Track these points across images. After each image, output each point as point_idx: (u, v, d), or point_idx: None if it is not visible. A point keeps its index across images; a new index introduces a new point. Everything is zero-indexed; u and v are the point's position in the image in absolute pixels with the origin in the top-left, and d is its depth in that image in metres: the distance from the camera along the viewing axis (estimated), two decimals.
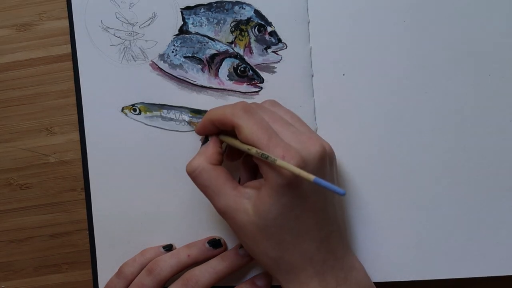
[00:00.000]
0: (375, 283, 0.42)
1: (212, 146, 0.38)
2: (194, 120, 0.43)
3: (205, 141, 0.40)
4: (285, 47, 0.44)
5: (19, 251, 0.47)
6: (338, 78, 0.44)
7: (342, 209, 0.42)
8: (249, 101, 0.44)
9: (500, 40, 0.43)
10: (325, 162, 0.36)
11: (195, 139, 0.44)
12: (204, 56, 0.44)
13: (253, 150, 0.35)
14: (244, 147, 0.36)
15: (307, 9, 0.43)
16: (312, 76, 0.44)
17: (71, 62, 0.45)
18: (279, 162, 0.33)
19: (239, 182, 0.39)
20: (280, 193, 0.34)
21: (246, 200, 0.36)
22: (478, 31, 0.43)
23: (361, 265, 0.40)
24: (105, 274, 0.45)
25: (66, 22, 0.45)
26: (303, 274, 0.37)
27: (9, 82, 0.46)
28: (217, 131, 0.39)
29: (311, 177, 0.32)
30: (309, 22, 0.44)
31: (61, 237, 0.47)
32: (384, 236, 0.44)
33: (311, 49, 0.44)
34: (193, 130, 0.44)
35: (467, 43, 0.43)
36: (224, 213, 0.37)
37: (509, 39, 0.43)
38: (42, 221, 0.47)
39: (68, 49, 0.45)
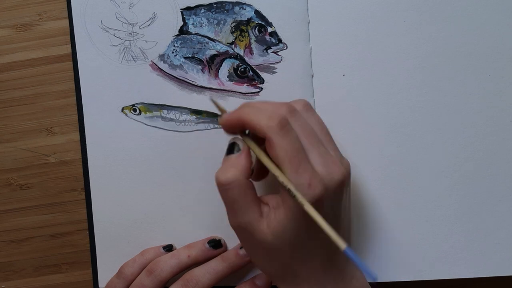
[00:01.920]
0: (374, 283, 0.42)
1: (245, 159, 0.36)
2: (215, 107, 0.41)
3: (232, 147, 0.37)
4: (285, 48, 0.44)
5: (19, 251, 0.47)
6: (338, 78, 0.44)
7: (349, 220, 0.41)
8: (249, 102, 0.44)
9: (500, 40, 0.43)
10: (344, 186, 0.36)
11: (195, 140, 0.44)
12: (204, 57, 0.44)
13: (279, 177, 0.34)
14: (272, 167, 0.35)
15: (307, 9, 0.43)
16: (312, 76, 0.44)
17: (71, 62, 0.45)
18: (301, 200, 0.33)
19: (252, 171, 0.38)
20: (298, 217, 0.34)
21: (264, 219, 0.36)
22: (478, 31, 0.43)
23: (361, 273, 0.40)
24: (105, 274, 0.45)
25: (66, 22, 0.45)
26: (305, 285, 0.37)
27: (9, 82, 0.46)
28: (244, 130, 0.37)
29: (342, 246, 0.32)
30: (309, 22, 0.44)
31: (61, 237, 0.47)
32: (384, 236, 0.44)
33: (311, 49, 0.44)
34: (194, 130, 0.44)
35: (467, 43, 0.43)
36: (243, 229, 0.36)
37: (509, 39, 0.43)
38: (42, 221, 0.47)
39: (68, 49, 0.45)
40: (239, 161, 0.36)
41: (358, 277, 0.39)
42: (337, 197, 0.35)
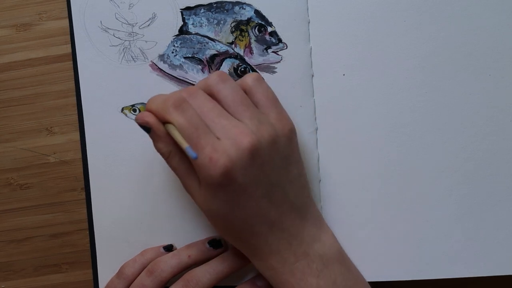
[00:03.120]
0: (374, 282, 0.42)
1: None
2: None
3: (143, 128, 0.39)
4: (285, 47, 0.43)
5: (19, 251, 0.47)
6: (338, 78, 0.44)
7: (308, 182, 0.42)
8: None
9: (500, 40, 0.43)
10: (260, 154, 0.36)
11: None
12: (204, 57, 0.44)
13: (184, 147, 0.36)
14: (180, 141, 0.36)
15: (307, 9, 0.43)
16: (312, 76, 0.44)
17: (71, 62, 0.45)
18: (190, 154, 0.35)
19: None
20: (214, 191, 0.36)
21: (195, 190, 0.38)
22: (478, 31, 0.43)
23: (328, 237, 0.40)
24: (105, 274, 0.45)
25: (66, 22, 0.45)
26: (259, 252, 0.38)
27: (9, 82, 0.46)
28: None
29: (184, 144, 0.35)
30: (309, 22, 0.44)
31: (61, 237, 0.47)
32: (383, 235, 0.44)
33: (311, 49, 0.44)
34: None
35: (467, 43, 0.43)
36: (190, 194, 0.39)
37: (509, 39, 0.43)
38: (42, 221, 0.47)
39: (68, 49, 0.45)
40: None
41: (323, 240, 0.40)
42: (257, 161, 0.36)
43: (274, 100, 0.39)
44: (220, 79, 0.38)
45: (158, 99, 0.37)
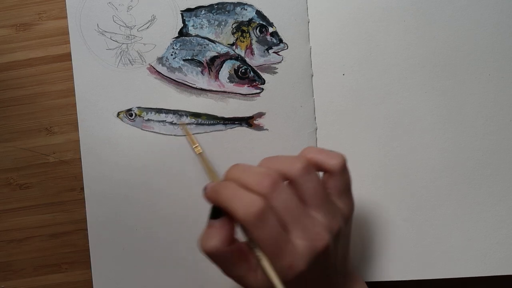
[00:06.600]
0: (374, 282, 0.42)
1: (227, 226, 0.36)
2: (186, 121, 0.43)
3: (215, 211, 0.36)
4: (286, 48, 0.43)
5: (19, 251, 0.47)
6: (338, 78, 0.44)
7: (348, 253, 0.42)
8: (250, 103, 0.44)
9: (500, 40, 0.43)
10: (328, 253, 0.36)
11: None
12: (204, 59, 0.44)
13: (257, 253, 0.35)
14: (251, 244, 0.35)
15: (307, 9, 0.43)
16: (312, 76, 0.44)
17: (71, 61, 0.45)
18: (275, 282, 0.34)
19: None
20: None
21: (253, 272, 0.37)
22: (478, 31, 0.43)
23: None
24: (100, 281, 0.45)
25: (65, 22, 0.45)
26: None
27: (8, 82, 0.46)
28: None
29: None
30: (309, 22, 0.44)
31: (61, 237, 0.47)
32: (384, 236, 0.44)
33: (311, 49, 0.44)
34: (193, 134, 0.44)
35: (467, 43, 0.43)
36: (236, 281, 0.37)
37: (509, 39, 0.43)
38: (42, 221, 0.47)
39: (67, 49, 0.45)
40: (221, 229, 0.36)
41: None
42: (322, 260, 0.36)
43: (349, 187, 0.38)
44: (306, 171, 0.36)
45: (238, 201, 0.34)
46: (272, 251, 0.34)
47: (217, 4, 0.43)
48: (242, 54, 0.44)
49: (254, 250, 0.35)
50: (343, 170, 0.37)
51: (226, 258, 0.36)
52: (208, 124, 0.44)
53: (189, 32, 0.44)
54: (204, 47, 0.44)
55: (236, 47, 0.44)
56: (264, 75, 0.44)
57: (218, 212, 0.36)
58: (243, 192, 0.35)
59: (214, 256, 0.36)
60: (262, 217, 0.34)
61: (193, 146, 0.42)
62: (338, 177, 0.37)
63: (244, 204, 0.34)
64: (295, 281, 0.35)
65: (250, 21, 0.44)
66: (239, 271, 0.36)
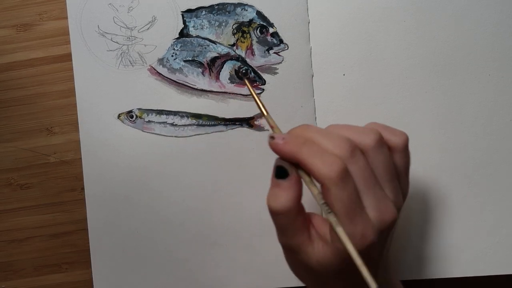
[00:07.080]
0: None
1: (296, 186, 0.35)
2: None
3: (280, 170, 0.35)
4: (286, 48, 0.43)
5: (19, 251, 0.47)
6: (338, 78, 0.44)
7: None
8: (251, 104, 0.44)
9: (500, 40, 0.43)
10: (394, 225, 0.36)
11: (194, 144, 0.44)
12: (204, 59, 0.44)
13: (333, 223, 0.34)
14: (324, 208, 0.34)
15: (307, 9, 0.44)
16: (312, 76, 0.44)
17: (71, 62, 0.45)
18: (350, 250, 0.33)
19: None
20: (344, 257, 0.34)
21: (312, 243, 0.36)
22: (478, 31, 0.43)
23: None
24: (100, 283, 0.45)
25: (66, 22, 0.45)
26: None
27: (9, 82, 0.46)
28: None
29: (374, 286, 0.32)
30: (309, 23, 0.44)
31: (61, 237, 0.47)
32: None
33: (311, 49, 0.44)
34: (194, 135, 0.44)
35: (467, 43, 0.43)
36: (290, 248, 0.36)
37: (509, 39, 0.43)
38: (42, 221, 0.47)
39: (68, 49, 0.45)
40: (290, 189, 0.35)
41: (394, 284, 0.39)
42: (385, 236, 0.36)
43: (408, 167, 0.38)
44: (380, 144, 0.35)
45: (321, 159, 0.33)
46: (348, 216, 0.33)
47: (218, 4, 0.44)
48: (243, 55, 0.44)
49: (328, 215, 0.34)
50: (406, 149, 0.36)
51: (291, 221, 0.35)
52: (209, 125, 0.44)
53: (190, 33, 0.44)
54: (205, 48, 0.44)
55: (237, 48, 0.44)
56: (265, 76, 0.44)
57: (284, 172, 0.35)
58: (325, 151, 0.34)
59: (282, 215, 0.35)
60: (344, 176, 0.33)
61: (262, 109, 0.39)
62: (401, 155, 0.36)
63: (328, 162, 0.33)
64: (365, 252, 0.34)
65: (250, 21, 0.44)
66: (298, 238, 0.35)
